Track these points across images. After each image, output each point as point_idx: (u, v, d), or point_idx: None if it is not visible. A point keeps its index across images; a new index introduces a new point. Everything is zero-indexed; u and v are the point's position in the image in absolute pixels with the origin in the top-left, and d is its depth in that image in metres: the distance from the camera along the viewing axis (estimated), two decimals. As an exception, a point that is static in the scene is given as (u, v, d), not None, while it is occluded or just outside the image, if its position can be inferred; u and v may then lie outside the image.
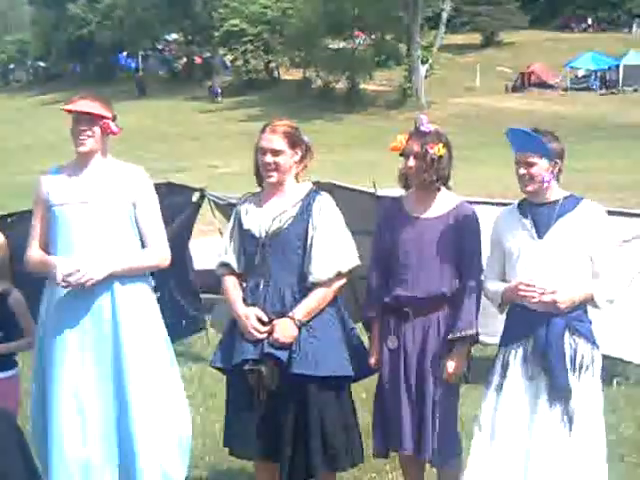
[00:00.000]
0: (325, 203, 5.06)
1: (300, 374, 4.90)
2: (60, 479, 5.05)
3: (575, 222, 4.75)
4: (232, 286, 5.14)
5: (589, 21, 65.94)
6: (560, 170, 4.83)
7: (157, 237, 5.18)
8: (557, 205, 4.80)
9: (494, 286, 5.01)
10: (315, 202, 5.04)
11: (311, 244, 4.98)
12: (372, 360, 5.19)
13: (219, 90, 55.42)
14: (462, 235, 5.08)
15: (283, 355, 4.89)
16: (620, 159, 23.89)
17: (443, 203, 5.13)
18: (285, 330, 4.88)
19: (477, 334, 5.12)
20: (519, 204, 4.95)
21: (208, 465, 6.34)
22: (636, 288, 7.27)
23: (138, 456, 5.04)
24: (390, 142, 5.15)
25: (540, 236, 4.78)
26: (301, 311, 4.92)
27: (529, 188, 4.79)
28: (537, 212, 4.83)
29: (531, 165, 4.73)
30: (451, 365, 5.04)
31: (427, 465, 5.36)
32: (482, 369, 7.43)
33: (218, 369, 5.21)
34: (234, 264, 5.14)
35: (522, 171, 4.77)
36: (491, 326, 7.79)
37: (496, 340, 8.05)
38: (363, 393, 6.23)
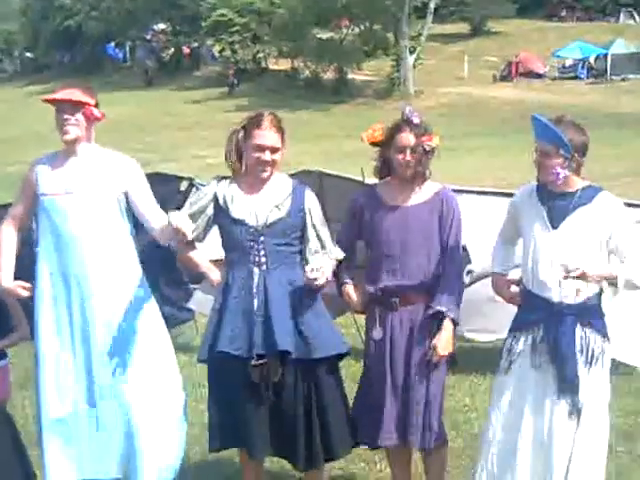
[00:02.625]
0: (314, 196, 5.17)
1: (309, 359, 4.99)
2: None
3: (591, 214, 4.71)
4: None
5: (577, 10, 65.96)
6: (579, 164, 4.75)
7: (161, 217, 5.14)
8: (574, 196, 4.75)
9: (496, 260, 5.17)
10: (306, 196, 5.11)
11: (319, 235, 5.11)
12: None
13: (235, 81, 54.49)
14: (445, 221, 5.10)
15: (291, 346, 4.95)
16: (609, 148, 23.88)
17: (424, 190, 5.15)
18: (326, 266, 4.96)
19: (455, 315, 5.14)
20: (538, 188, 4.89)
21: (196, 454, 6.33)
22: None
23: (138, 442, 5.14)
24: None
25: (554, 227, 4.76)
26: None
27: (541, 177, 4.77)
28: (554, 201, 4.79)
29: (545, 155, 4.69)
30: (441, 344, 5.05)
31: (414, 455, 5.39)
32: (468, 362, 7.44)
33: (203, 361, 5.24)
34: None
35: (537, 159, 4.75)
36: (477, 323, 7.88)
37: (481, 337, 8.09)
38: (348, 384, 6.23)
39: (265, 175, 5.03)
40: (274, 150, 4.98)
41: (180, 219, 4.72)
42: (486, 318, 7.58)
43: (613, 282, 4.70)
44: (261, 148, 4.96)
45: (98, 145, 5.25)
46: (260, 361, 4.92)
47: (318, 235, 5.10)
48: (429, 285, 5.14)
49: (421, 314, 5.14)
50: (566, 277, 4.56)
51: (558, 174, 4.67)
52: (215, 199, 5.11)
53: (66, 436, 5.10)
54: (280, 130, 5.03)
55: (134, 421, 5.11)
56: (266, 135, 4.96)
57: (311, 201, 5.13)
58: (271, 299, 4.96)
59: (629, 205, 6.08)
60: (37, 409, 5.21)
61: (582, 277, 4.56)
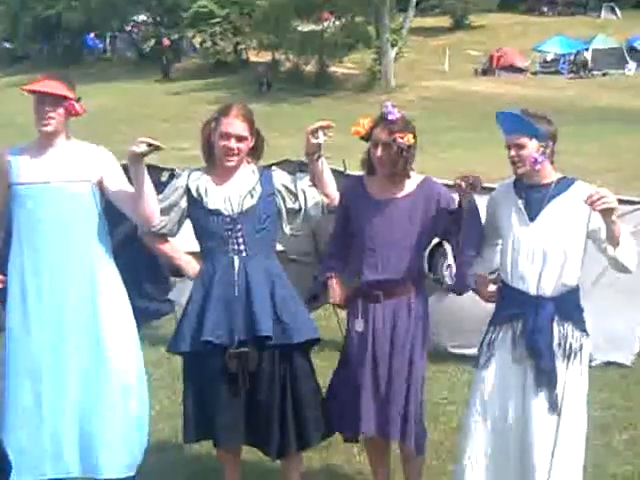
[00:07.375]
0: (282, 174, 5.27)
1: (286, 345, 5.03)
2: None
3: (568, 203, 4.73)
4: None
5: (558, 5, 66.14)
6: (552, 152, 4.81)
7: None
8: (550, 187, 4.78)
9: (480, 263, 5.13)
10: (274, 178, 5.19)
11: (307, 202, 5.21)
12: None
13: (268, 80, 52.05)
14: (436, 209, 5.08)
15: (271, 331, 4.97)
16: (588, 143, 23.95)
17: (408, 184, 5.14)
18: None
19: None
20: (515, 182, 4.93)
21: (175, 447, 6.33)
22: (605, 286, 7.30)
23: (100, 430, 5.17)
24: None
25: (532, 219, 4.78)
26: None
27: (520, 170, 4.79)
28: (530, 194, 4.81)
29: (521, 147, 4.73)
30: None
31: (393, 449, 5.39)
32: (447, 354, 7.46)
33: (179, 353, 5.25)
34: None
35: (512, 153, 4.76)
36: (461, 339, 7.90)
37: (467, 351, 8.12)
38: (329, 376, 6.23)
39: (231, 164, 5.07)
40: (240, 138, 5.03)
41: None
42: (471, 333, 7.60)
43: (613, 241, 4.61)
44: (227, 135, 5.01)
45: (73, 137, 5.29)
46: (240, 349, 4.95)
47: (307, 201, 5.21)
48: (413, 279, 5.14)
49: (404, 307, 5.13)
50: (593, 202, 4.37)
51: (536, 159, 4.70)
52: (188, 191, 5.15)
53: (28, 420, 5.14)
54: (248, 120, 5.08)
55: (93, 412, 5.16)
56: (233, 123, 5.01)
57: (279, 180, 5.21)
58: (252, 286, 5.00)
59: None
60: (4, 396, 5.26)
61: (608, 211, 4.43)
